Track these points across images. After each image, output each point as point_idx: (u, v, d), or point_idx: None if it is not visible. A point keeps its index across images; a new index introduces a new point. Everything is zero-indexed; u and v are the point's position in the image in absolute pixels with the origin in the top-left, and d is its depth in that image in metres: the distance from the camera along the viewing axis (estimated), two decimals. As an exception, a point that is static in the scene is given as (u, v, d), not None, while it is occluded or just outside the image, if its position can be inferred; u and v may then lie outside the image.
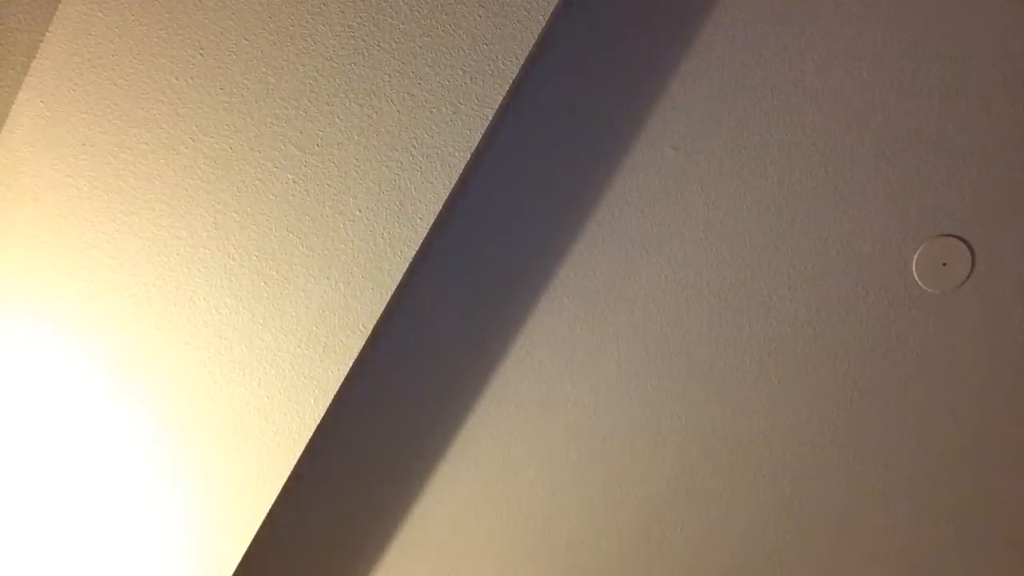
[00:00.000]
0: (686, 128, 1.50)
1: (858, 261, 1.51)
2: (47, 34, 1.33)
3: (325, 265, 1.40)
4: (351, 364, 1.43)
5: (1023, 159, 1.44)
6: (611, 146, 1.52)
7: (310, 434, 1.46)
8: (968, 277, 1.49)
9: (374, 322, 1.42)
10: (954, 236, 1.48)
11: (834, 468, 1.61)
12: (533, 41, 1.31)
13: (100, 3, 1.32)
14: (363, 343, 1.43)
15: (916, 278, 1.50)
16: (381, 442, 1.68)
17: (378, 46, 1.32)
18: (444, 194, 1.37)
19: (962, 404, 1.56)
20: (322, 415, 1.46)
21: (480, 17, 1.30)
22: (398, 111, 1.34)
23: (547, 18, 1.29)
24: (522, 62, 1.32)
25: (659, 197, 1.53)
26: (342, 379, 1.44)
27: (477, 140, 1.35)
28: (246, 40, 1.33)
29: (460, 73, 1.32)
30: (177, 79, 1.34)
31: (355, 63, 1.33)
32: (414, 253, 1.39)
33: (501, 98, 1.33)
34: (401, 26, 1.31)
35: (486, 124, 1.34)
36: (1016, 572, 1.62)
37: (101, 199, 1.39)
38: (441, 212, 1.38)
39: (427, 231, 1.39)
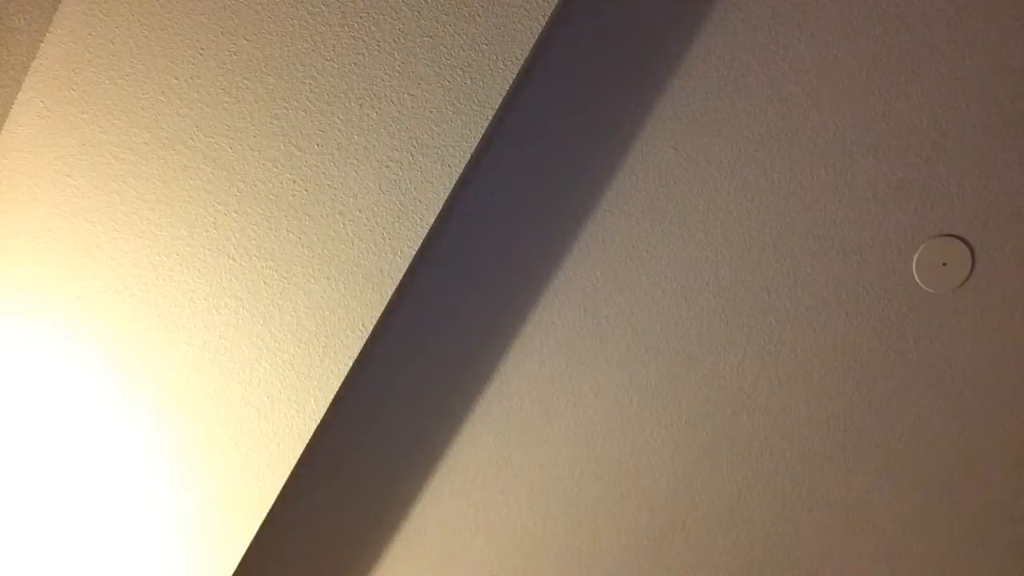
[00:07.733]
0: (686, 128, 1.50)
1: (858, 261, 1.51)
2: (47, 34, 1.33)
3: (325, 265, 1.40)
4: (351, 364, 1.44)
5: (1023, 159, 1.44)
6: (611, 146, 1.52)
7: (310, 434, 1.46)
8: (968, 277, 1.49)
9: (374, 322, 1.42)
10: (954, 236, 1.48)
11: (834, 467, 1.61)
12: (533, 41, 1.31)
13: (100, 3, 1.32)
14: (363, 343, 1.43)
15: (916, 278, 1.50)
16: (381, 442, 1.68)
17: (378, 46, 1.32)
18: (444, 194, 1.37)
19: (962, 404, 1.56)
20: (322, 415, 1.46)
21: (480, 17, 1.30)
22: (398, 111, 1.34)
23: (547, 18, 1.29)
24: (522, 62, 1.32)
25: (659, 197, 1.53)
26: (342, 379, 1.44)
27: (477, 140, 1.35)
28: (246, 40, 1.33)
29: (460, 73, 1.32)
30: (177, 79, 1.34)
31: (355, 63, 1.33)
32: (414, 253, 1.39)
33: (501, 98, 1.33)
34: (401, 26, 1.31)
35: (486, 124, 1.34)
36: (1016, 571, 1.62)
37: (101, 199, 1.39)
38: (441, 212, 1.38)
39: (427, 231, 1.39)
